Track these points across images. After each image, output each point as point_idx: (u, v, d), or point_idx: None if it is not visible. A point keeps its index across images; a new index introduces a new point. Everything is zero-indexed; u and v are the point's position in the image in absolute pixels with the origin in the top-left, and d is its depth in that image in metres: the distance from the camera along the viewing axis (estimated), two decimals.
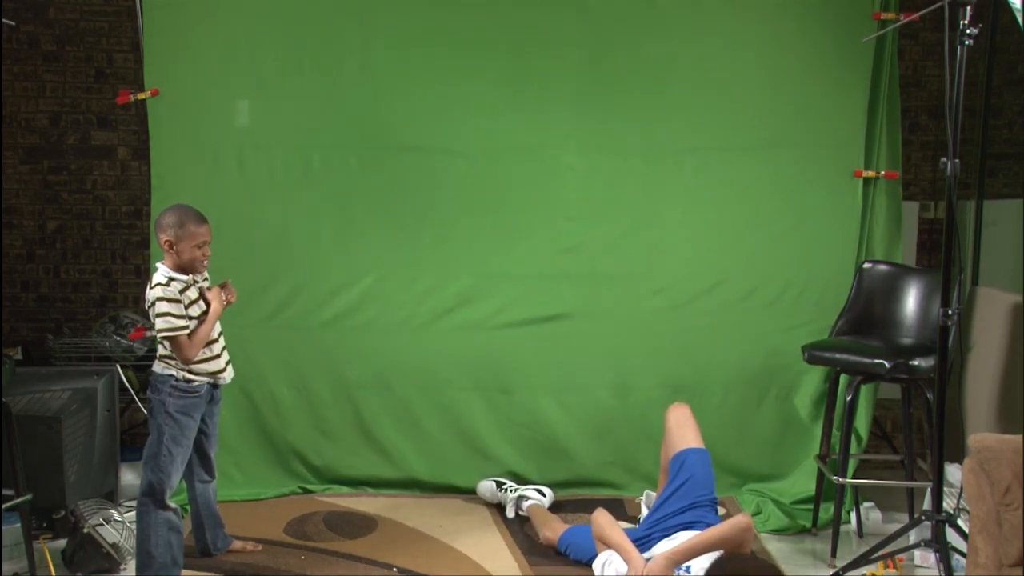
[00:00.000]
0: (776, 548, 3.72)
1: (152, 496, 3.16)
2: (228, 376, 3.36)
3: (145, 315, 3.28)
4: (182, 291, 3.16)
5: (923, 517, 3.15)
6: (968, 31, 2.92)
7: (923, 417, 3.55)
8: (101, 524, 3.43)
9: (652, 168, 4.16)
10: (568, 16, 4.11)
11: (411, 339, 4.21)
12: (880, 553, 3.25)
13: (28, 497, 3.21)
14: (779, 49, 4.11)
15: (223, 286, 3.31)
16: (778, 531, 3.88)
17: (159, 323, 3.10)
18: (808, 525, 3.89)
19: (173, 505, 3.22)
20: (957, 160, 3.01)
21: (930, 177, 5.12)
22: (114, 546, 3.42)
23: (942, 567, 3.00)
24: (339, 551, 3.59)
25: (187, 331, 3.13)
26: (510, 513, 3.97)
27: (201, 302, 3.22)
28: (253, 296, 4.13)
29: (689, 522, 3.23)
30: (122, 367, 4.16)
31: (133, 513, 3.24)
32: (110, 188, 5.18)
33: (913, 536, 3.26)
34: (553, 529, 3.66)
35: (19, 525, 3.30)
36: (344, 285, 4.19)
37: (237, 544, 3.59)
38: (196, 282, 3.23)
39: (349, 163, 4.16)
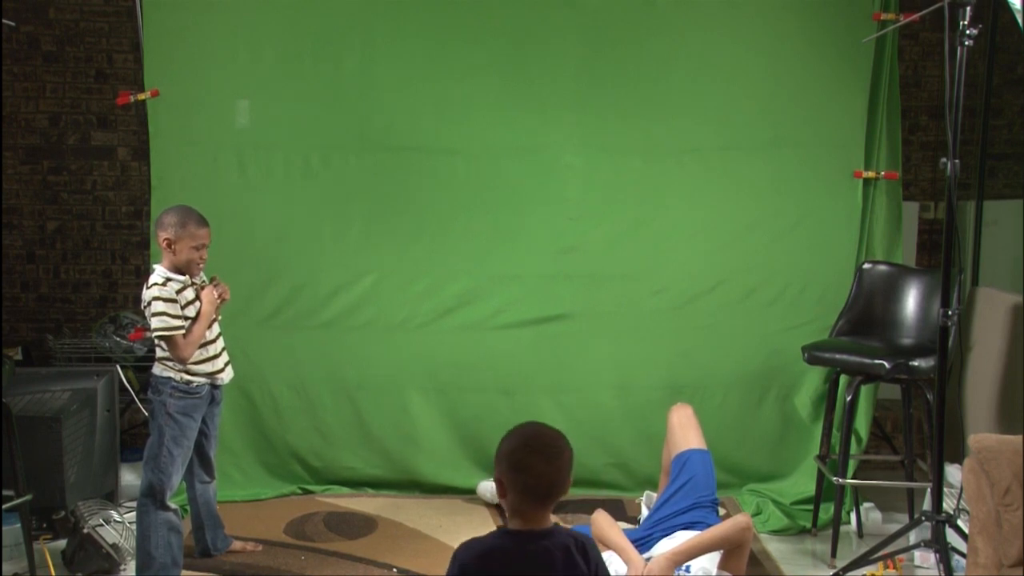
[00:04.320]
0: (776, 548, 3.72)
1: (152, 497, 3.16)
2: (226, 377, 3.36)
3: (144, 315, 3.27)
4: (179, 291, 3.16)
5: (923, 517, 3.14)
6: (968, 31, 2.92)
7: (923, 417, 3.55)
8: (101, 524, 3.43)
9: (652, 168, 4.17)
10: (569, 15, 4.11)
11: (411, 339, 4.21)
12: (880, 553, 3.24)
13: (28, 497, 3.21)
14: (779, 49, 4.11)
15: (214, 283, 3.30)
16: (778, 531, 3.88)
17: (154, 322, 3.10)
18: (808, 525, 3.89)
19: (173, 506, 3.22)
20: (957, 160, 3.01)
21: (930, 177, 5.12)
22: (114, 546, 3.42)
23: (942, 567, 3.00)
24: (339, 551, 3.59)
25: (182, 331, 3.13)
26: None
27: (198, 302, 3.22)
28: (253, 296, 4.14)
29: (690, 523, 3.23)
30: (122, 367, 4.17)
31: (133, 513, 3.24)
32: (110, 188, 5.18)
33: (913, 536, 3.26)
34: None
35: (19, 525, 3.30)
36: (344, 285, 4.19)
37: (237, 544, 3.59)
38: (193, 283, 3.23)
39: (349, 163, 4.16)
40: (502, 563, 1.93)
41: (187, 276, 3.20)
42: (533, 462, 1.96)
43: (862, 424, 4.06)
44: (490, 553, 1.96)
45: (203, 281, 3.29)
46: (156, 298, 3.10)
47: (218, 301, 3.28)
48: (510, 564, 1.93)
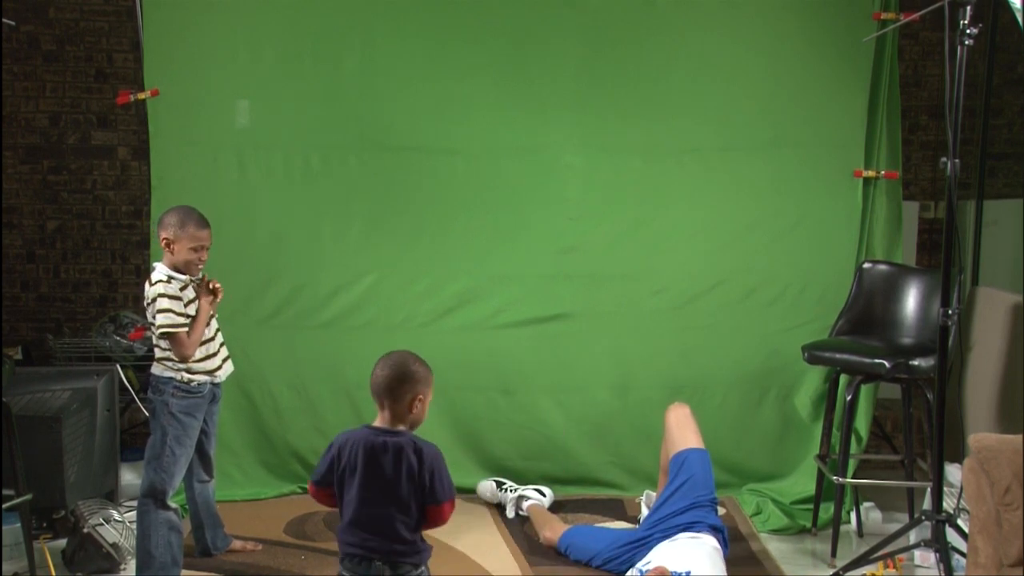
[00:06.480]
0: (776, 548, 3.72)
1: (154, 496, 3.15)
2: (225, 373, 3.35)
3: (145, 315, 3.27)
4: (181, 289, 3.16)
5: (923, 517, 3.14)
6: (968, 31, 2.92)
7: (923, 417, 3.55)
8: (101, 524, 3.43)
9: (652, 168, 4.17)
10: (569, 15, 4.11)
11: (411, 339, 4.16)
12: (880, 553, 3.24)
13: (28, 497, 3.21)
14: (779, 49, 4.11)
15: (205, 284, 3.25)
16: (778, 531, 3.88)
17: (160, 319, 3.10)
18: (808, 525, 3.89)
19: (174, 505, 3.22)
20: (957, 160, 3.01)
21: (930, 177, 5.12)
22: (114, 546, 3.42)
23: (942, 567, 3.00)
24: None
25: (186, 328, 3.14)
26: (510, 513, 3.97)
27: (198, 301, 3.22)
28: (253, 296, 4.14)
29: (689, 522, 3.23)
30: (122, 367, 4.17)
31: (133, 513, 3.24)
32: (110, 188, 5.18)
33: (913, 536, 3.26)
34: (553, 529, 3.66)
35: (19, 525, 3.30)
36: (344, 285, 4.19)
37: (237, 544, 3.59)
38: (193, 282, 3.23)
39: (349, 163, 4.16)
40: (351, 446, 2.53)
41: (188, 275, 3.20)
42: (375, 367, 2.61)
43: (862, 424, 4.05)
44: (349, 438, 2.56)
45: (199, 280, 3.28)
46: (161, 295, 3.10)
47: (213, 295, 3.27)
48: (356, 448, 2.53)
